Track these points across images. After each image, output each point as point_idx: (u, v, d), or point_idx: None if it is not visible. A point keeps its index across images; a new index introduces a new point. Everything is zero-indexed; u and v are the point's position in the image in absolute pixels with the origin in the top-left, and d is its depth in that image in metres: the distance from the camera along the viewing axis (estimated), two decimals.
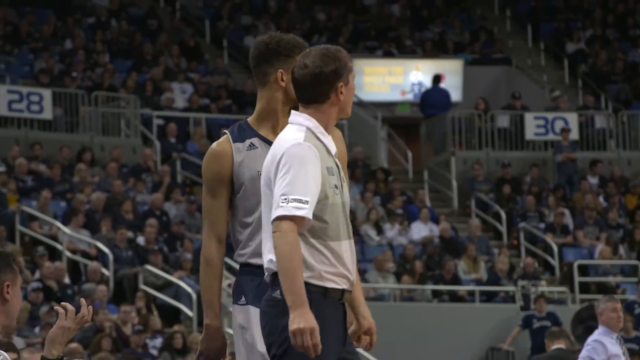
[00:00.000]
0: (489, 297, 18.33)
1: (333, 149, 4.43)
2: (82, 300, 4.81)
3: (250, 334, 4.64)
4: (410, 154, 22.50)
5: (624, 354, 9.15)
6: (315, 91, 4.38)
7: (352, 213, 19.63)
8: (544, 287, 18.26)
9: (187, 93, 21.87)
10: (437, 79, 23.42)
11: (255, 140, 4.75)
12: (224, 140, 4.82)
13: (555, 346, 10.87)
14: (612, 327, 9.01)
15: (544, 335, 16.80)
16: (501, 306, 18.11)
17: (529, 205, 20.31)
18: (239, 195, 4.74)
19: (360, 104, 23.83)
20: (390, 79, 24.20)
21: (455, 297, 18.25)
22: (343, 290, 4.40)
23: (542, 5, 26.73)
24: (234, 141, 4.78)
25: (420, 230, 19.45)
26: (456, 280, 18.34)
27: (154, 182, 19.05)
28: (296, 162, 4.29)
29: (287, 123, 4.49)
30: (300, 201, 4.23)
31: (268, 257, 4.38)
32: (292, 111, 4.49)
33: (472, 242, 19.05)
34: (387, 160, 22.94)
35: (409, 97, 24.54)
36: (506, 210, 20.35)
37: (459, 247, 19.13)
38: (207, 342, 4.80)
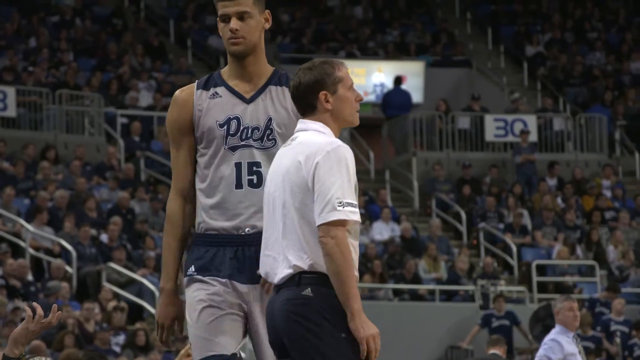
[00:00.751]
0: (448, 296, 18.58)
1: None
2: (54, 307, 4.87)
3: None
4: (372, 155, 22.73)
5: (580, 352, 9.35)
6: (300, 103, 4.50)
7: None
8: (502, 287, 18.52)
9: (152, 92, 21.97)
10: (398, 80, 23.67)
11: (220, 90, 4.69)
12: (188, 87, 4.78)
13: (491, 351, 11.15)
14: (569, 326, 9.20)
15: (502, 334, 17.13)
16: (461, 305, 18.36)
17: (489, 206, 20.59)
18: (198, 147, 4.66)
19: None
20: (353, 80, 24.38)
21: (415, 296, 18.49)
22: None
23: (502, 9, 27.05)
24: (198, 88, 4.73)
25: (381, 229, 19.68)
26: (417, 280, 18.57)
27: (119, 180, 19.14)
28: (343, 165, 4.33)
29: (259, 73, 4.63)
30: (352, 205, 4.29)
31: (290, 260, 4.35)
32: (300, 119, 4.54)
33: (433, 241, 19.29)
34: None
35: (371, 98, 24.76)
36: (466, 211, 20.62)
37: (420, 247, 19.37)
38: (160, 308, 4.70)
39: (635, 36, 26.24)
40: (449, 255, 19.47)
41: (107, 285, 16.30)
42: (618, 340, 16.86)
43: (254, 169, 4.64)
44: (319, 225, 4.26)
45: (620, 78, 24.88)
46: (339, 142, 4.39)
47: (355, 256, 4.33)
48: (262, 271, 4.45)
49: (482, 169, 22.19)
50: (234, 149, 4.64)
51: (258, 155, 4.64)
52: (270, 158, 4.58)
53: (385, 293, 18.40)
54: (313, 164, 4.33)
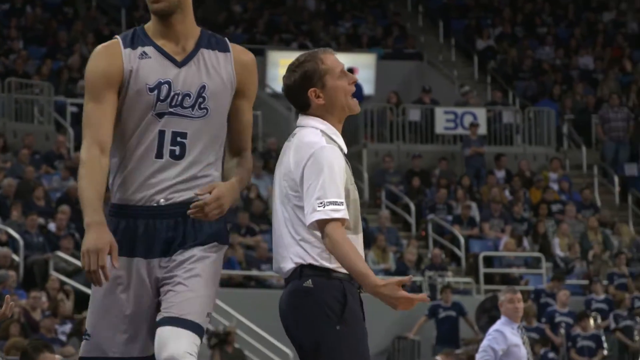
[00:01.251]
0: None
1: (345, 148, 4.57)
2: (7, 297, 4.89)
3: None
4: None
5: (524, 343, 9.50)
6: (294, 101, 4.57)
7: (265, 202, 19.88)
8: (450, 278, 18.68)
9: None
10: (351, 72, 23.72)
11: (148, 49, 4.36)
12: (113, 43, 4.40)
13: None
14: (512, 317, 9.35)
15: (449, 325, 17.31)
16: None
17: (438, 198, 20.75)
18: (121, 108, 4.31)
19: (275, 95, 24.06)
20: None
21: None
22: None
23: (454, 3, 27.23)
24: (125, 47, 4.37)
25: None
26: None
27: (69, 169, 19.08)
28: (326, 165, 4.39)
29: (186, 33, 4.35)
30: (335, 203, 4.35)
31: (293, 254, 4.45)
32: (300, 115, 4.58)
33: (382, 232, 19.41)
34: None
35: None
36: (415, 202, 20.76)
37: (369, 238, 19.48)
38: (90, 237, 4.18)
39: (584, 31, 26.53)
40: (397, 246, 19.61)
41: (54, 274, 16.25)
42: (562, 331, 17.07)
43: (178, 139, 4.32)
44: (308, 226, 4.38)
45: (568, 73, 25.15)
46: (324, 142, 4.45)
47: (359, 248, 4.45)
48: (274, 267, 4.57)
49: (431, 161, 22.35)
50: (160, 115, 4.31)
51: (185, 125, 4.33)
52: (199, 129, 4.33)
53: None
54: (301, 168, 4.43)
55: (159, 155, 4.33)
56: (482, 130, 22.46)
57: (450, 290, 17.81)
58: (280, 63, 24.68)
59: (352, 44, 25.49)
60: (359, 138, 22.57)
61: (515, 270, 19.26)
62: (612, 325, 17.52)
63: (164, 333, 4.23)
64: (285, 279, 4.51)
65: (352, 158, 22.62)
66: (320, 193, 4.35)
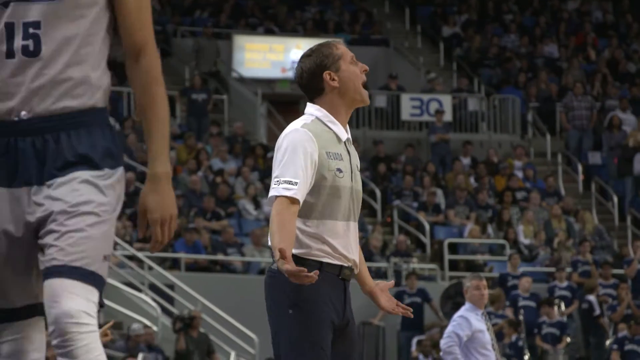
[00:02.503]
0: None
1: (344, 135, 4.64)
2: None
3: None
4: None
5: (488, 329, 9.56)
6: (307, 89, 4.67)
7: (231, 187, 19.85)
8: (415, 264, 18.77)
9: None
10: None
11: None
12: None
13: None
14: (477, 304, 9.41)
15: (414, 311, 17.35)
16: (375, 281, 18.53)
17: (404, 184, 20.82)
18: None
19: (241, 80, 24.02)
20: (271, 56, 24.44)
21: None
22: (341, 267, 4.61)
23: None
24: None
25: None
26: None
27: None
28: (290, 147, 4.53)
29: None
30: (290, 182, 4.46)
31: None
32: (308, 103, 4.70)
33: None
34: (267, 136, 23.21)
35: (289, 74, 24.80)
36: (381, 189, 20.81)
37: None
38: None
39: (549, 20, 26.67)
40: (363, 232, 19.66)
41: None
42: (521, 317, 17.20)
43: (31, 30, 3.42)
44: (267, 203, 4.53)
45: (533, 61, 25.28)
46: (297, 126, 4.59)
47: (318, 236, 4.52)
48: None
49: (397, 148, 22.40)
50: (5, 4, 3.44)
51: (36, 12, 3.42)
52: (55, 16, 3.44)
53: None
54: (276, 151, 4.62)
55: (10, 54, 3.44)
56: (448, 117, 22.55)
57: (415, 276, 17.89)
58: (246, 47, 24.63)
59: (319, 30, 25.47)
60: None
61: (479, 257, 19.38)
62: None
63: (52, 288, 3.31)
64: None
65: None
66: (279, 172, 4.50)
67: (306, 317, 4.50)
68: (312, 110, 4.66)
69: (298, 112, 24.02)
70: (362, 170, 21.18)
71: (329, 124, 4.63)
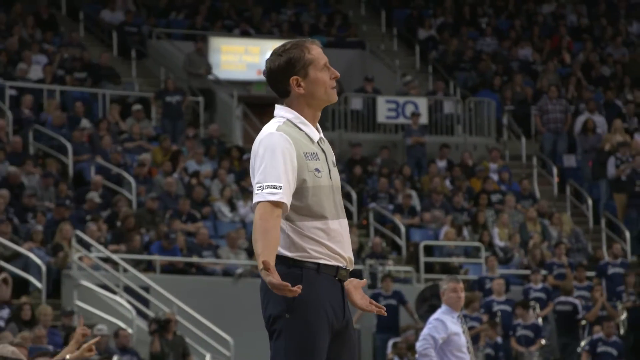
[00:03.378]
0: None
1: (315, 136, 4.57)
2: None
3: None
4: None
5: (464, 332, 9.56)
6: (274, 86, 4.62)
7: (207, 189, 19.80)
8: (390, 267, 18.77)
9: (42, 64, 21.65)
10: None
11: None
12: None
13: None
14: (453, 306, 9.40)
15: (389, 313, 17.37)
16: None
17: (379, 187, 20.83)
18: None
19: (217, 81, 23.97)
20: (247, 58, 24.40)
21: None
22: (337, 267, 4.55)
23: None
24: None
25: None
26: None
27: (8, 153, 18.85)
28: (269, 151, 4.45)
29: None
30: (274, 187, 4.39)
31: None
32: (276, 105, 4.64)
33: None
34: (242, 138, 23.17)
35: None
36: (357, 191, 20.81)
37: None
38: None
39: (524, 23, 26.75)
40: None
41: None
42: (498, 320, 17.24)
43: None
44: (252, 208, 4.45)
45: (508, 64, 25.35)
46: (273, 130, 4.51)
47: (311, 237, 4.48)
48: None
49: (373, 150, 22.41)
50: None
51: None
52: None
53: None
54: (253, 157, 4.54)
55: None
56: (424, 119, 22.58)
57: (391, 279, 17.90)
58: (222, 49, 24.59)
59: (295, 32, 25.45)
60: None
61: (455, 260, 19.41)
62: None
63: None
64: None
65: None
66: (260, 177, 4.43)
67: (304, 321, 4.45)
68: (282, 112, 4.59)
69: (273, 115, 24.16)
70: (338, 173, 21.42)
71: (301, 125, 4.57)
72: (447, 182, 21.51)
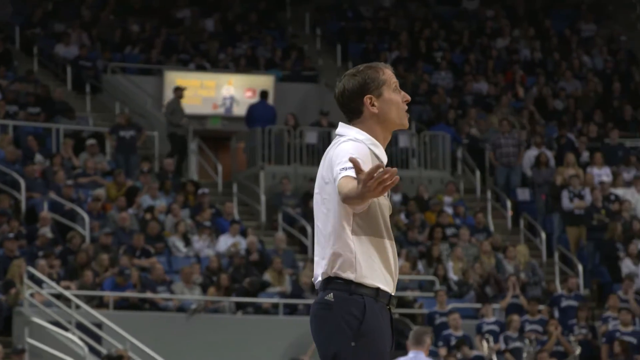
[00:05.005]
0: (292, 309, 18.74)
1: (385, 159, 4.56)
2: None
3: None
4: (220, 167, 22.76)
5: None
6: (346, 109, 4.58)
7: (161, 224, 19.74)
8: None
9: None
10: (264, 94, 23.78)
11: None
12: None
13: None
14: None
15: None
16: (304, 318, 18.50)
17: None
18: None
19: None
20: (202, 92, 24.41)
21: (259, 310, 18.59)
22: (390, 296, 4.51)
23: (351, 26, 27.46)
24: None
25: (227, 242, 19.73)
26: (265, 290, 18.67)
27: None
28: (351, 149, 4.40)
29: None
30: (350, 168, 4.29)
31: (322, 265, 4.48)
32: (341, 124, 4.59)
33: (278, 255, 19.43)
34: (197, 172, 23.13)
35: (221, 110, 24.80)
36: (312, 225, 20.78)
37: (265, 260, 19.49)
38: None
39: (479, 57, 26.98)
40: (293, 268, 19.65)
41: None
42: (458, 354, 17.27)
43: None
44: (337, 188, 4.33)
45: (463, 98, 25.54)
46: (352, 138, 4.48)
47: (373, 255, 4.42)
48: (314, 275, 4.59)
49: None
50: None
51: None
52: None
53: (230, 306, 18.45)
54: (332, 162, 4.44)
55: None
56: None
57: None
58: (178, 83, 24.61)
59: (250, 66, 25.52)
60: (257, 160, 22.58)
61: (409, 294, 19.44)
62: (503, 347, 17.78)
63: None
64: (317, 288, 4.56)
65: (250, 180, 22.68)
66: (342, 165, 4.34)
67: (370, 349, 4.38)
68: (353, 133, 4.53)
69: (229, 149, 24.13)
70: (294, 207, 21.41)
71: (372, 147, 4.53)
72: (402, 216, 21.58)
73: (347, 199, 4.24)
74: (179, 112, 22.57)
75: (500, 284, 19.26)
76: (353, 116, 4.57)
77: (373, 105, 4.54)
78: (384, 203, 4.48)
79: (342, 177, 4.31)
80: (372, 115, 4.54)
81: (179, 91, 22.72)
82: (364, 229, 4.43)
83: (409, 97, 4.59)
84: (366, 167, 4.28)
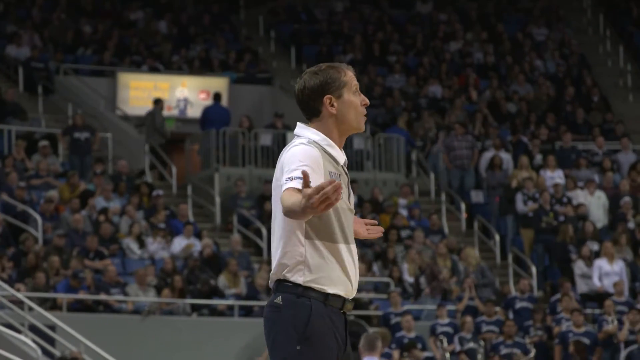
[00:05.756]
0: (247, 311, 18.68)
1: (341, 159, 4.53)
2: None
3: None
4: (174, 169, 22.65)
5: None
6: (304, 107, 4.57)
7: (115, 225, 19.58)
8: None
9: None
10: (217, 96, 23.70)
11: None
12: None
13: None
14: None
15: None
16: (259, 320, 18.43)
17: None
18: None
19: (125, 117, 23.80)
20: (156, 94, 24.28)
21: (214, 312, 18.51)
22: (344, 300, 4.47)
23: (306, 29, 27.47)
24: None
25: (182, 244, 19.62)
26: (216, 295, 18.60)
27: None
28: (300, 155, 4.39)
29: None
30: (299, 178, 4.27)
31: (273, 267, 4.49)
32: (299, 124, 4.58)
33: (234, 257, 19.36)
34: (152, 174, 23.00)
35: (175, 112, 24.69)
36: (267, 227, 20.77)
37: (220, 262, 19.41)
38: None
39: (432, 60, 27.09)
40: (249, 270, 19.59)
41: None
42: (406, 356, 17.29)
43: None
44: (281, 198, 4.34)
45: (417, 100, 25.62)
46: (303, 142, 4.48)
47: (324, 259, 4.40)
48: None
49: None
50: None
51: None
52: None
53: (184, 308, 18.35)
54: (280, 167, 4.48)
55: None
56: None
57: None
58: (131, 85, 24.46)
59: (204, 68, 25.43)
60: (211, 162, 22.49)
61: (365, 295, 19.44)
62: (457, 348, 17.83)
63: None
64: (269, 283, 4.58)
65: (205, 182, 22.59)
66: (290, 175, 4.33)
67: (315, 352, 4.36)
68: (308, 133, 4.53)
69: (183, 150, 24.02)
70: (248, 209, 21.35)
71: (327, 148, 4.51)
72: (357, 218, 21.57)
73: (288, 212, 4.24)
74: (160, 119, 22.57)
75: (435, 274, 19.31)
76: (311, 115, 4.56)
77: (332, 105, 4.52)
78: (341, 207, 4.45)
79: (286, 188, 4.30)
80: (330, 116, 4.52)
81: (160, 103, 22.73)
82: (317, 233, 4.42)
83: (367, 101, 4.60)
84: (315, 173, 4.30)
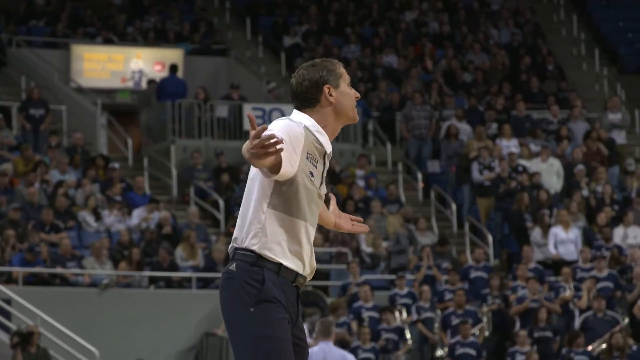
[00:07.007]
0: (205, 283, 18.66)
1: (328, 148, 4.65)
2: None
3: None
4: (130, 141, 22.51)
5: None
6: (301, 97, 4.65)
7: (71, 199, 19.46)
8: None
9: None
10: (174, 68, 23.53)
11: None
12: None
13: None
14: None
15: None
16: (217, 292, 18.38)
17: None
18: None
19: (80, 90, 23.60)
20: (110, 66, 24.10)
21: (172, 284, 18.47)
22: (297, 274, 4.56)
23: (261, 0, 27.34)
24: None
25: (140, 217, 19.54)
26: (174, 267, 18.56)
27: None
28: (281, 126, 4.50)
29: None
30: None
31: (233, 237, 4.61)
32: (297, 111, 4.67)
33: (191, 229, 19.31)
34: (107, 147, 22.86)
35: (130, 84, 24.52)
36: (224, 199, 20.74)
37: (178, 234, 19.36)
38: None
39: (388, 30, 27.07)
40: (206, 242, 19.55)
41: None
42: (366, 325, 17.35)
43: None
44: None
45: (373, 71, 25.61)
46: (294, 120, 4.58)
47: (284, 231, 4.52)
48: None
49: (240, 158, 22.35)
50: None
51: None
52: None
53: (142, 281, 18.29)
54: None
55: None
56: None
57: None
58: (85, 57, 24.25)
59: (159, 39, 25.25)
60: (167, 134, 22.38)
61: (322, 266, 19.48)
62: (415, 317, 17.92)
63: None
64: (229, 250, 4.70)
65: (161, 154, 22.48)
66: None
67: (269, 313, 4.47)
68: (300, 117, 4.63)
69: (138, 122, 23.87)
70: (205, 181, 21.27)
71: (317, 134, 4.62)
72: None
73: (244, 155, 4.37)
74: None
75: (346, 243, 19.47)
76: (307, 104, 4.68)
77: (331, 95, 4.66)
78: (311, 188, 4.57)
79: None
80: (329, 105, 4.66)
81: (153, 84, 22.75)
82: (281, 205, 4.54)
83: (359, 95, 4.77)
84: (290, 146, 4.42)
